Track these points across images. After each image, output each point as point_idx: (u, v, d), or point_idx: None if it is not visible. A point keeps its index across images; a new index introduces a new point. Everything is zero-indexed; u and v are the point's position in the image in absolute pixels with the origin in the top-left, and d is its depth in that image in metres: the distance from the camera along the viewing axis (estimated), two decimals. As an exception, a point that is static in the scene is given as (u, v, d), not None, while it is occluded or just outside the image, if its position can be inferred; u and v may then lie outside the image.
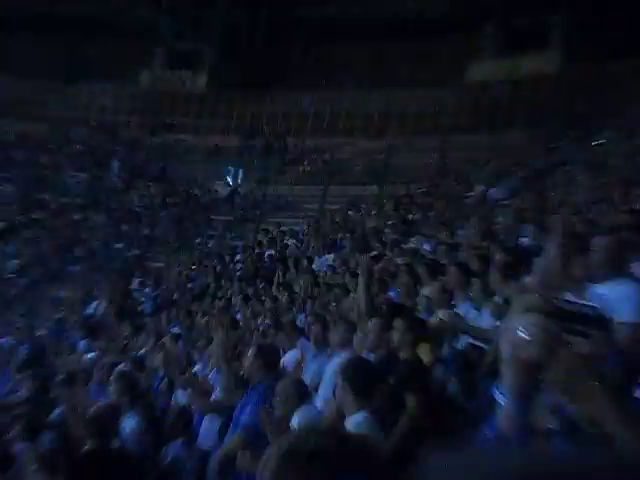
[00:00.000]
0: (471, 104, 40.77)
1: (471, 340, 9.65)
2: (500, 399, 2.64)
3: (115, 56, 49.27)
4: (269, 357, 10.87)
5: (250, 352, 10.90)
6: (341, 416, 7.71)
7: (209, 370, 13.61)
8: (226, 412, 10.59)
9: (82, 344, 22.45)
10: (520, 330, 2.53)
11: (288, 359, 12.38)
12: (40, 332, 26.72)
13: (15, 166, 45.09)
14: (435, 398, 8.56)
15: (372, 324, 9.65)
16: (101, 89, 48.63)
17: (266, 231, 32.94)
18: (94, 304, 28.51)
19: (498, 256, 10.83)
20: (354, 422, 7.40)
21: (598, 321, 7.07)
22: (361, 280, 10.95)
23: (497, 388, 2.70)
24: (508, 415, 2.64)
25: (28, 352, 23.62)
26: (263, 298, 20.42)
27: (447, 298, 11.13)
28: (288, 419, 8.75)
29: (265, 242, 31.42)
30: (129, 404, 11.16)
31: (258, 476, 2.74)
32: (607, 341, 6.84)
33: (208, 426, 11.05)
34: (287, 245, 29.85)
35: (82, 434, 10.17)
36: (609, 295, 7.57)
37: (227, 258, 31.09)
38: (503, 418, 2.64)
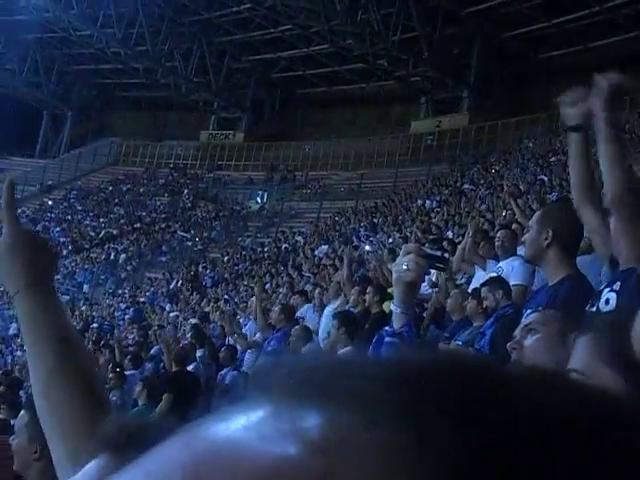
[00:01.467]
0: (413, 147, 40.78)
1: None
2: (393, 307, 2.72)
3: (184, 122, 49.31)
4: (292, 312, 11.08)
5: (275, 308, 11.08)
6: (334, 350, 7.82)
7: (248, 320, 13.68)
8: (259, 348, 10.72)
9: (168, 307, 22.48)
10: (403, 263, 2.63)
11: (299, 313, 12.46)
12: (141, 299, 26.76)
13: (122, 194, 45.13)
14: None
15: (353, 290, 9.78)
16: (176, 144, 48.60)
17: (283, 232, 33.02)
18: (174, 281, 28.51)
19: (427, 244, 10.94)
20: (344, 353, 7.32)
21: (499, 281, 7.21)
22: (345, 261, 11.08)
23: (392, 303, 2.79)
24: (398, 318, 2.70)
25: (134, 312, 23.68)
26: (282, 275, 20.51)
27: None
28: (298, 351, 8.93)
29: (282, 239, 31.52)
30: (198, 344, 11.23)
31: None
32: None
33: (248, 357, 11.14)
34: (297, 241, 29.93)
35: (170, 363, 10.32)
36: (504, 267, 7.76)
37: (258, 250, 31.16)
38: (395, 320, 2.72)
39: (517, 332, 2.99)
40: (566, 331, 2.58)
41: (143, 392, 9.50)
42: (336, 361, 0.44)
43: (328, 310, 10.01)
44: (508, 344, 3.03)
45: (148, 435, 1.08)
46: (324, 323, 10.01)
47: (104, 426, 1.16)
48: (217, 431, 0.41)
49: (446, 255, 3.39)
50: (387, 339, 2.67)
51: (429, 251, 2.98)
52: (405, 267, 2.60)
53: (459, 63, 39.07)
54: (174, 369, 10.04)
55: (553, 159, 26.19)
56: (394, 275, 2.68)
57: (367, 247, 19.72)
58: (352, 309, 9.41)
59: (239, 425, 0.41)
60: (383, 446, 0.37)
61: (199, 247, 35.62)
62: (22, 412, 3.40)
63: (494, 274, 7.67)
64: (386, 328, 2.72)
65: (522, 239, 6.24)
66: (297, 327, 9.58)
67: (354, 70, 42.84)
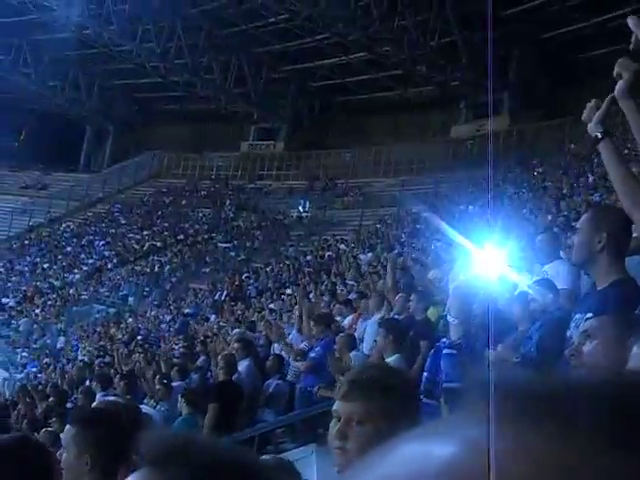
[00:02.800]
0: (454, 152, 40.59)
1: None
2: (449, 319, 2.68)
3: (224, 133, 49.49)
4: (329, 320, 11.07)
5: (312, 320, 11.09)
6: (381, 358, 7.82)
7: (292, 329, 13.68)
8: (304, 357, 10.71)
9: (212, 317, 22.57)
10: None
11: (345, 322, 12.46)
12: (186, 311, 26.87)
13: (165, 207, 45.42)
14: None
15: (398, 297, 9.75)
16: (217, 156, 48.87)
17: (325, 240, 33.02)
18: (218, 292, 28.60)
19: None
20: (392, 361, 7.36)
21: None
22: (389, 268, 11.05)
23: (449, 314, 2.73)
24: (455, 329, 2.66)
25: (179, 324, 23.77)
26: (326, 283, 20.49)
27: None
28: (343, 360, 8.92)
29: (325, 247, 31.53)
30: (244, 354, 11.20)
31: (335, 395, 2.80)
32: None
33: (292, 366, 11.09)
34: (339, 249, 29.92)
35: (217, 373, 10.34)
36: (549, 271, 7.67)
37: (300, 259, 31.16)
38: (452, 331, 2.67)
39: (575, 339, 2.96)
40: (623, 336, 2.57)
41: (184, 404, 9.58)
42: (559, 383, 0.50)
43: (373, 321, 9.99)
44: (566, 351, 3.01)
45: (189, 450, 1.07)
46: (369, 332, 10.01)
47: (145, 440, 1.15)
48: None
49: None
50: (445, 351, 2.66)
51: None
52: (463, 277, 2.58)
53: (498, 66, 38.79)
54: (221, 379, 10.07)
55: (596, 160, 25.92)
56: (450, 286, 2.66)
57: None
58: (397, 316, 9.39)
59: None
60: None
61: (242, 257, 35.72)
62: (68, 426, 3.39)
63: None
64: (443, 340, 2.71)
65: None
66: (342, 335, 9.58)
67: (392, 77, 42.78)
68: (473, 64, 38.13)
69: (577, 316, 3.80)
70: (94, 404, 3.65)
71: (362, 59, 42.13)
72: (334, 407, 2.64)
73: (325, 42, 41.98)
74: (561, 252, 7.82)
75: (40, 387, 20.09)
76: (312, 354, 9.95)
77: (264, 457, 4.44)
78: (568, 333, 3.89)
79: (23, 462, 2.76)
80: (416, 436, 0.49)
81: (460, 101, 41.70)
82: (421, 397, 2.76)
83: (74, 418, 3.40)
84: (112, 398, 4.63)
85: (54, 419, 11.24)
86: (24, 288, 39.10)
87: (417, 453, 0.46)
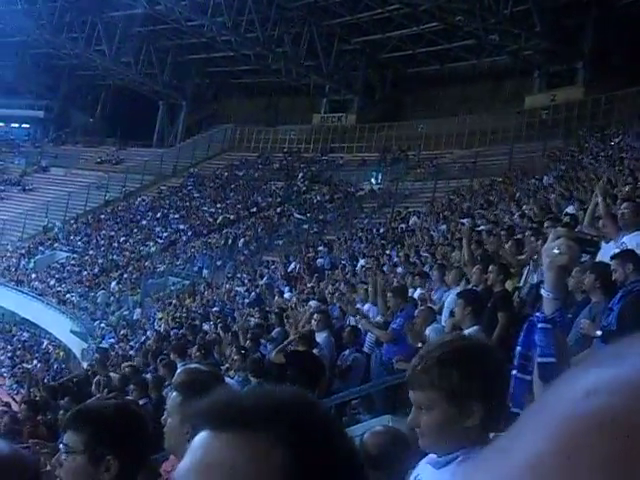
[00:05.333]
0: (528, 122, 40.00)
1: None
2: (544, 293, 2.64)
3: (296, 106, 49.58)
4: (405, 292, 11.04)
5: (389, 293, 11.06)
6: (458, 329, 7.77)
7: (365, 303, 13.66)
8: (381, 328, 10.70)
9: (286, 290, 22.66)
10: (555, 247, 2.52)
11: (416, 294, 12.41)
12: (260, 282, 27.02)
13: (238, 180, 45.73)
14: (516, 314, 8.57)
15: (476, 268, 9.67)
16: (289, 129, 48.99)
17: (398, 212, 32.91)
18: (292, 264, 28.70)
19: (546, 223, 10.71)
20: (471, 332, 7.32)
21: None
22: (465, 241, 10.96)
23: (542, 287, 2.70)
24: (550, 304, 2.62)
25: (254, 295, 23.95)
26: (400, 256, 20.41)
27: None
28: (422, 330, 8.89)
29: (398, 219, 31.42)
30: (322, 325, 11.25)
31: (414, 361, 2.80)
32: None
33: (369, 338, 11.04)
34: (412, 221, 29.79)
35: (294, 343, 10.41)
36: (628, 242, 7.52)
37: (373, 231, 31.10)
38: (546, 306, 2.63)
39: None
40: None
41: (251, 374, 9.67)
42: None
43: (452, 294, 9.93)
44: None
45: (245, 411, 1.08)
46: (447, 304, 9.97)
47: (201, 402, 1.16)
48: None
49: (596, 239, 3.32)
50: (540, 325, 2.60)
51: (580, 235, 2.91)
52: (557, 251, 2.53)
53: (573, 34, 38.06)
54: (299, 348, 10.14)
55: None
56: (545, 260, 2.60)
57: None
58: (475, 288, 9.32)
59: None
60: None
61: (315, 230, 35.79)
62: (174, 393, 3.43)
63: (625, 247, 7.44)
64: (537, 314, 2.65)
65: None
66: (422, 308, 9.55)
67: (465, 46, 42.28)
68: (547, 32, 37.47)
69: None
70: (189, 372, 3.66)
71: (434, 29, 41.69)
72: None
73: (396, 13, 41.63)
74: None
75: (118, 357, 20.49)
76: (393, 325, 9.94)
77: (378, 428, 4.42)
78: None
79: (121, 428, 2.81)
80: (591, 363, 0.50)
81: (534, 70, 41.02)
82: (514, 372, 2.70)
83: (179, 386, 3.44)
84: (198, 365, 4.66)
85: (132, 387, 11.44)
86: (101, 261, 39.82)
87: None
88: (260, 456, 1.05)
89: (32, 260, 42.38)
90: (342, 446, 1.13)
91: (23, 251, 44.15)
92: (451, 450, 2.52)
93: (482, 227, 17.20)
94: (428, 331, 8.71)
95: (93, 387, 13.35)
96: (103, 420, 2.80)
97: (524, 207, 19.68)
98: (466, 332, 7.16)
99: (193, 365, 4.60)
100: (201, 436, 1.09)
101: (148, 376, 13.07)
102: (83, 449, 2.75)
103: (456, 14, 38.98)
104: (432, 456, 2.62)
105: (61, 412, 11.19)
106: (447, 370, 2.49)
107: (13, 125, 62.87)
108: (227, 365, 12.26)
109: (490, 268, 9.12)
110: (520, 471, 0.46)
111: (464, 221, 19.16)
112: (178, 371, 3.78)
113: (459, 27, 40.10)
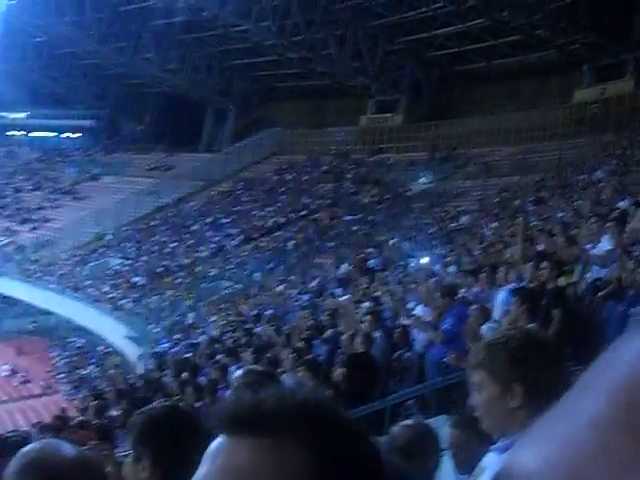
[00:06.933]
0: (577, 117, 39.56)
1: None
2: None
3: (343, 108, 49.61)
4: (454, 291, 11.00)
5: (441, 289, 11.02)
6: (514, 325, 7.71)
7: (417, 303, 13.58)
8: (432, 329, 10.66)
9: (338, 291, 22.63)
10: None
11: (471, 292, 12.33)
12: (312, 285, 27.02)
13: (286, 183, 45.81)
14: (570, 311, 8.51)
15: (529, 265, 9.62)
16: (336, 130, 49.02)
17: (447, 212, 32.76)
18: (343, 266, 28.64)
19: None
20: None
21: None
22: (518, 238, 10.90)
23: None
24: None
25: (306, 298, 23.94)
26: (451, 254, 20.31)
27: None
28: (477, 329, 8.85)
29: (448, 219, 31.28)
30: (375, 325, 11.22)
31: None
32: None
33: (421, 338, 11.06)
34: (463, 220, 29.65)
35: (350, 346, 10.41)
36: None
37: (424, 231, 30.96)
38: None
39: None
40: None
41: (307, 374, 9.63)
42: None
43: (503, 292, 9.87)
44: None
45: (266, 415, 1.07)
46: (499, 301, 9.91)
47: (219, 406, 1.15)
48: None
49: None
50: None
51: None
52: None
53: (621, 26, 37.56)
54: (358, 351, 10.15)
55: None
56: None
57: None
58: (529, 285, 9.27)
59: None
60: None
61: (365, 231, 35.73)
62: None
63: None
64: None
65: None
66: (475, 307, 9.49)
67: (511, 42, 41.91)
68: (594, 25, 37.05)
69: None
70: (247, 373, 3.69)
71: (479, 26, 41.40)
72: None
73: (440, 11, 41.44)
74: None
75: (173, 362, 20.65)
76: (445, 325, 9.90)
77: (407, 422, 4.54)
78: None
79: (174, 428, 2.85)
80: None
81: (583, 64, 40.56)
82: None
83: (237, 389, 3.48)
84: (255, 367, 4.70)
85: (189, 391, 11.53)
86: (153, 267, 40.17)
87: None
88: (284, 460, 1.03)
89: (86, 267, 42.90)
90: (364, 446, 1.12)
91: (77, 259, 44.71)
92: (504, 432, 2.63)
93: (534, 223, 17.07)
94: (483, 330, 8.66)
95: (149, 391, 13.48)
96: (149, 422, 2.89)
97: (575, 203, 19.51)
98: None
99: (251, 367, 4.64)
100: (220, 442, 1.08)
101: (202, 379, 13.18)
102: (131, 450, 2.88)
103: (502, 10, 38.70)
104: (497, 445, 2.72)
105: (119, 415, 11.33)
106: (494, 352, 2.65)
107: (64, 135, 63.90)
108: (282, 367, 12.31)
109: (543, 265, 9.06)
110: (583, 429, 0.47)
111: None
112: (236, 373, 3.81)
113: (505, 23, 39.78)
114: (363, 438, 1.13)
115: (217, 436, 1.08)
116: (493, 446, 2.76)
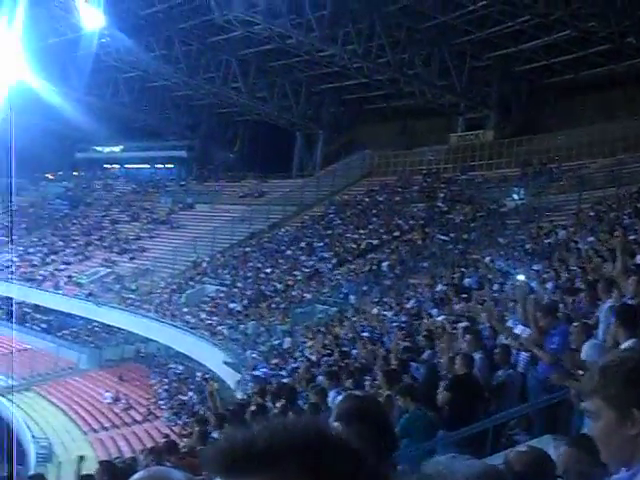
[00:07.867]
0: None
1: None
2: None
3: (432, 127, 49.45)
4: (555, 309, 10.75)
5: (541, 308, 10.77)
6: (615, 343, 7.49)
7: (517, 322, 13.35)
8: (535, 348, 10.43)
9: (434, 311, 22.42)
10: None
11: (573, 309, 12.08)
12: (407, 306, 26.85)
13: (378, 204, 45.79)
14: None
15: (631, 280, 9.35)
16: (426, 150, 48.88)
17: (541, 227, 32.24)
18: (438, 285, 28.35)
19: None
20: (629, 345, 6.90)
21: None
22: (618, 252, 10.63)
23: None
24: None
25: (402, 319, 23.76)
26: (549, 271, 19.93)
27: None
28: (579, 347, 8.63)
29: (544, 234, 30.79)
30: (476, 345, 11.04)
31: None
32: None
33: (523, 357, 10.84)
34: (558, 234, 29.14)
35: (450, 368, 10.27)
36: None
37: (519, 248, 30.52)
38: None
39: None
40: None
41: (408, 399, 9.45)
42: None
43: (605, 307, 9.60)
44: None
45: (254, 458, 1.06)
46: (601, 317, 9.66)
47: (210, 449, 1.13)
48: None
49: None
50: None
51: None
52: None
53: None
54: (458, 373, 10.00)
55: None
56: None
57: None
58: (630, 301, 8.99)
59: None
60: None
61: (459, 249, 35.42)
62: (336, 423, 3.37)
63: None
64: None
65: None
66: (576, 324, 9.26)
67: (601, 52, 41.17)
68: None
69: None
70: (349, 399, 3.63)
71: (567, 37, 40.79)
72: None
73: (526, 25, 40.99)
74: None
75: (271, 386, 20.71)
76: (551, 345, 9.66)
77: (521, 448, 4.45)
78: None
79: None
80: None
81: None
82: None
83: (341, 416, 3.40)
84: (358, 393, 4.65)
85: (281, 415, 11.53)
86: (249, 292, 40.52)
87: None
88: None
89: (183, 295, 43.54)
90: (362, 467, 1.12)
91: (174, 286, 45.42)
92: (625, 460, 2.48)
93: (633, 237, 16.67)
94: (585, 347, 8.42)
95: (248, 415, 13.51)
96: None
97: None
98: (623, 346, 6.90)
99: (354, 393, 4.57)
100: None
101: (301, 403, 13.16)
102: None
103: (589, 20, 38.06)
104: (620, 475, 2.58)
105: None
106: (609, 378, 2.48)
107: (158, 166, 65.31)
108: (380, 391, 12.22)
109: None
110: None
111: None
112: (339, 399, 3.75)
113: (593, 33, 39.11)
114: (362, 459, 1.14)
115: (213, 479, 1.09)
116: (615, 476, 2.62)
